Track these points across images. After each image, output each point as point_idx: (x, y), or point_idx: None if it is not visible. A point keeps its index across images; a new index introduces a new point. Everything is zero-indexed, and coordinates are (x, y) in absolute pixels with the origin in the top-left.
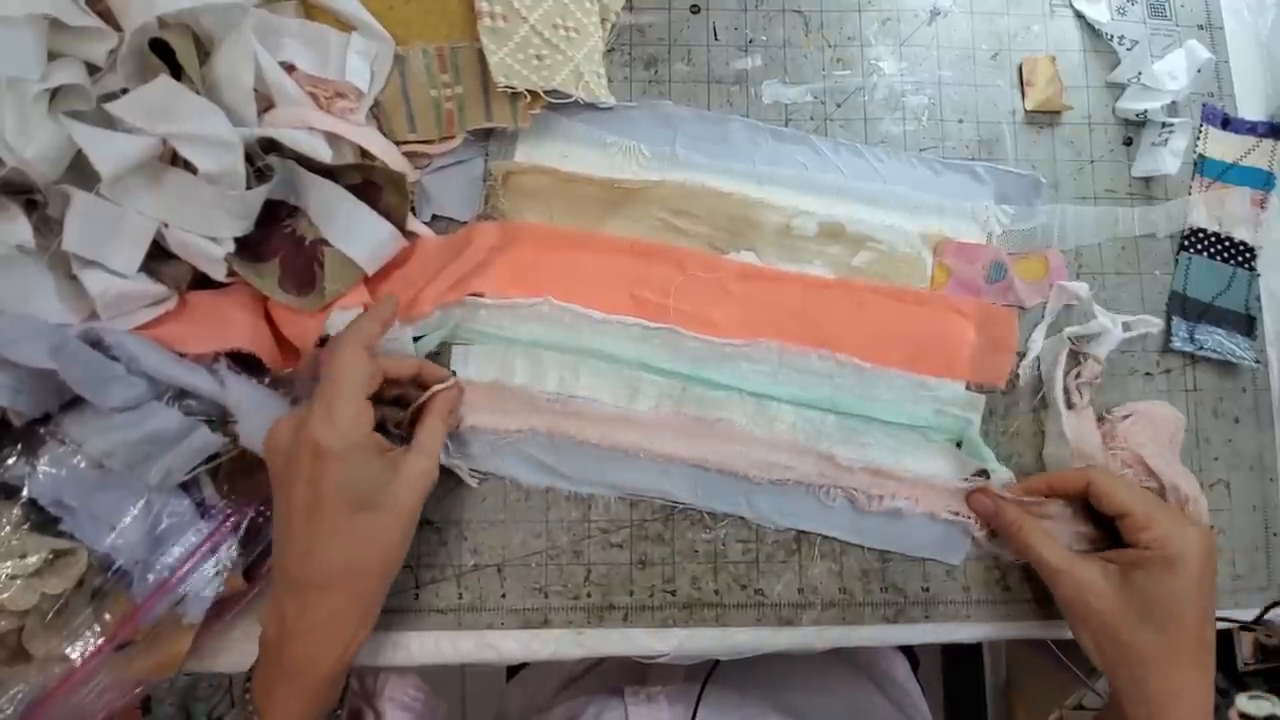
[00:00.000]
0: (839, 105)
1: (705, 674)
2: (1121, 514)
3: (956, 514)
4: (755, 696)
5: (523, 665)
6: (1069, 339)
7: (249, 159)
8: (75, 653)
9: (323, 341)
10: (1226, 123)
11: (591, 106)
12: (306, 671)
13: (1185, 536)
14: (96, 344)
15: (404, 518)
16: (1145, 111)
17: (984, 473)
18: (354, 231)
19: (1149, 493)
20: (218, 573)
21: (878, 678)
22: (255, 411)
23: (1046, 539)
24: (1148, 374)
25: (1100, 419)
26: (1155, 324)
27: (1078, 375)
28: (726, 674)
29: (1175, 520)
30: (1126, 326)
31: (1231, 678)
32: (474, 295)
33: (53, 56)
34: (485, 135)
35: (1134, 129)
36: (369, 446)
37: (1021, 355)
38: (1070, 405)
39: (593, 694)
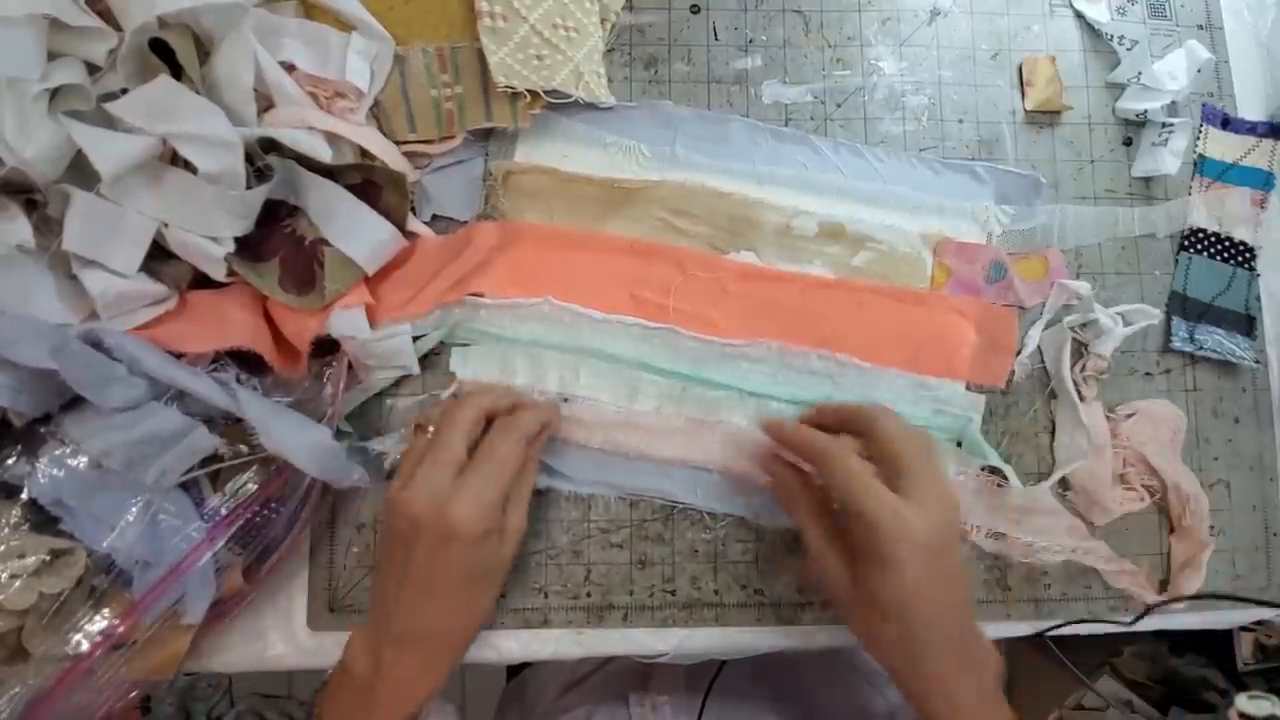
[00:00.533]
0: (839, 105)
1: (708, 682)
2: (839, 494)
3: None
4: (757, 705)
5: (523, 666)
6: (1069, 328)
7: (249, 159)
8: (74, 652)
9: (322, 342)
10: (1226, 123)
11: (591, 106)
12: (390, 712)
13: (900, 532)
14: (97, 345)
15: (504, 580)
16: (1145, 111)
17: (990, 469)
18: (354, 231)
19: (867, 474)
20: (217, 573)
21: (879, 680)
22: (276, 423)
23: (810, 513)
24: (1148, 374)
25: (1104, 416)
26: (1154, 314)
27: (1083, 369)
28: (728, 682)
29: (889, 510)
30: (1125, 319)
31: (1231, 678)
32: (474, 295)
33: (53, 56)
34: (485, 135)
35: (1134, 129)
36: (497, 528)
37: (1018, 354)
38: (1081, 398)
39: (595, 701)
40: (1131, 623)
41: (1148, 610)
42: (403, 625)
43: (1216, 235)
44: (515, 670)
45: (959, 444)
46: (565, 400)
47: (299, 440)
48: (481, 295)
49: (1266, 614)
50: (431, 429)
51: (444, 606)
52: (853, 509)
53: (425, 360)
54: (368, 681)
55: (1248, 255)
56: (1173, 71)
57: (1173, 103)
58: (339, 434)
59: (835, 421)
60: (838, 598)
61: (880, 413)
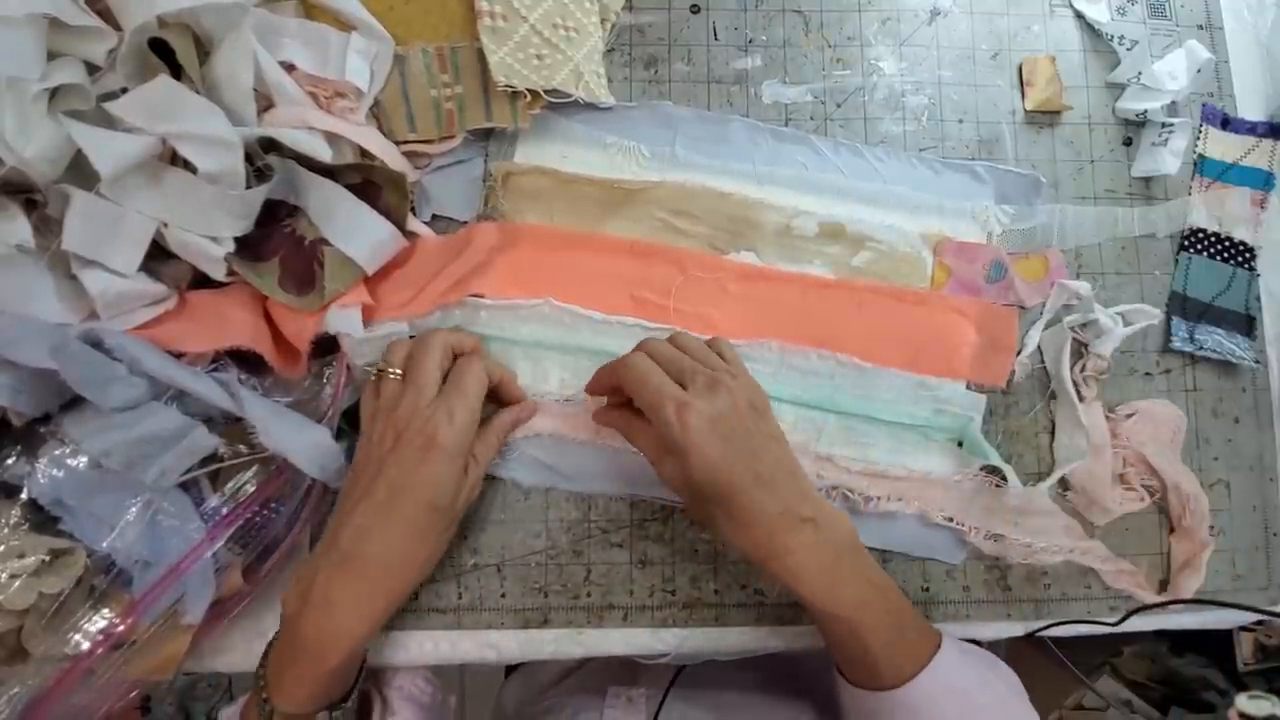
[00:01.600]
0: (839, 105)
1: (698, 676)
2: (639, 403)
3: (950, 519)
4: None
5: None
6: (1069, 328)
7: (249, 158)
8: (74, 652)
9: (321, 341)
10: (1226, 123)
11: (591, 107)
12: (319, 650)
13: (682, 420)
14: (96, 345)
15: (455, 526)
16: (1145, 111)
17: (990, 469)
18: (354, 231)
19: (655, 376)
20: (216, 572)
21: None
22: (276, 423)
23: (640, 432)
24: (1148, 374)
25: (1104, 416)
26: (1154, 314)
27: (1083, 368)
28: (710, 671)
29: (672, 403)
30: (1125, 319)
31: (1231, 678)
32: (474, 296)
33: (52, 56)
34: (485, 135)
35: (1134, 129)
36: (466, 455)
37: (1018, 354)
38: (1081, 398)
39: (575, 693)
40: (1117, 623)
41: (1135, 611)
42: (347, 545)
43: (1216, 235)
44: (515, 669)
45: (960, 444)
46: (568, 400)
47: (299, 440)
48: (482, 296)
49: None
50: (395, 371)
51: (397, 532)
52: (649, 414)
53: None
54: (295, 615)
55: (1248, 255)
56: (1173, 71)
57: (1173, 103)
58: (338, 433)
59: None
60: (685, 507)
61: (657, 339)
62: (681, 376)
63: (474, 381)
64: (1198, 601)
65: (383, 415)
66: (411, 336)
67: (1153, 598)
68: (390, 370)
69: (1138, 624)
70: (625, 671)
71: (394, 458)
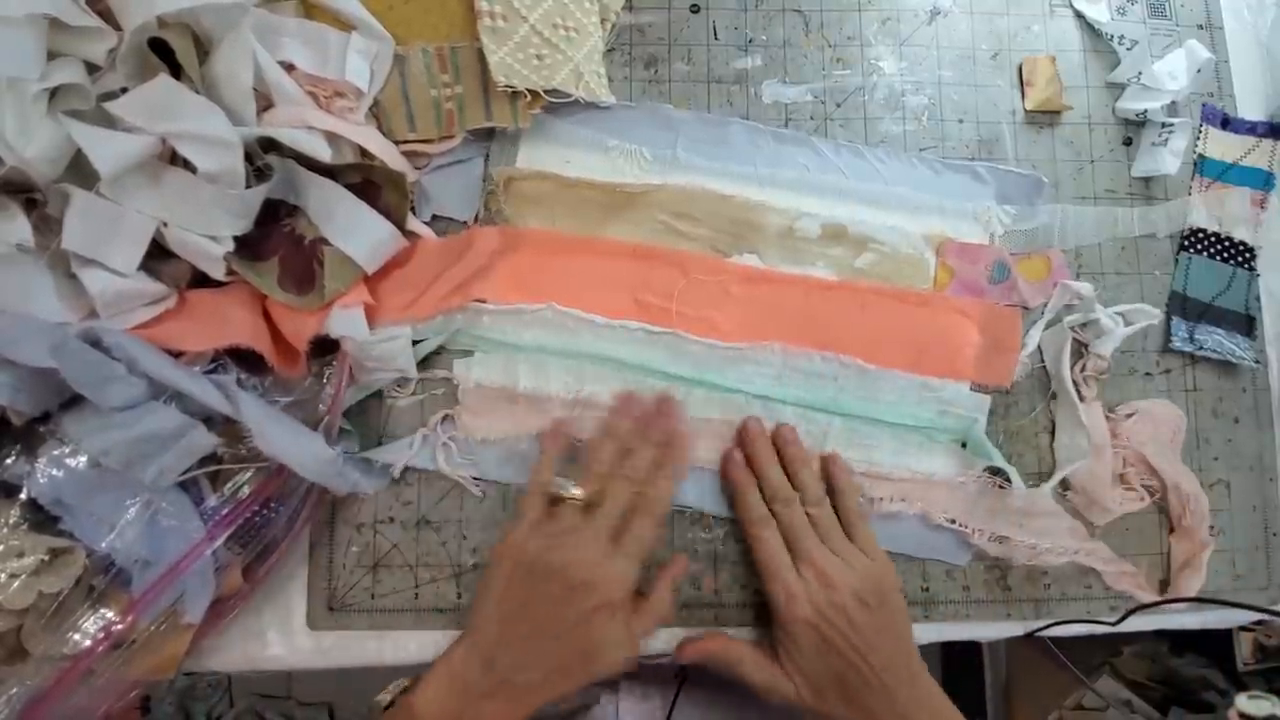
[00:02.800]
0: (839, 105)
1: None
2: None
3: (953, 521)
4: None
5: None
6: (1070, 328)
7: (248, 158)
8: (73, 652)
9: (321, 341)
10: (1226, 123)
11: (592, 110)
12: None
13: (790, 613)
14: (96, 344)
15: (602, 676)
16: (1145, 111)
17: (993, 470)
18: (353, 230)
19: (780, 557)
20: (216, 572)
21: None
22: (273, 428)
23: (746, 656)
24: (1148, 374)
25: (1104, 416)
26: (1154, 314)
27: (1083, 368)
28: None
29: (784, 593)
30: (1125, 319)
31: (1231, 678)
32: (477, 301)
33: (52, 56)
34: (485, 135)
35: (1134, 129)
36: (628, 605)
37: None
38: (1081, 398)
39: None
40: (1116, 622)
41: (1134, 610)
42: (505, 673)
43: (1216, 235)
44: None
45: (963, 445)
46: (571, 403)
47: (294, 446)
48: (484, 301)
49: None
50: (576, 495)
51: (557, 674)
52: (763, 583)
53: (423, 363)
54: (437, 717)
55: (1248, 255)
56: (1173, 71)
57: (1173, 103)
58: (340, 432)
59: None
60: (793, 704)
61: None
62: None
63: (651, 541)
64: (1198, 600)
65: (556, 547)
66: (416, 342)
67: (1150, 598)
68: (571, 495)
69: (1138, 624)
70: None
71: (568, 609)
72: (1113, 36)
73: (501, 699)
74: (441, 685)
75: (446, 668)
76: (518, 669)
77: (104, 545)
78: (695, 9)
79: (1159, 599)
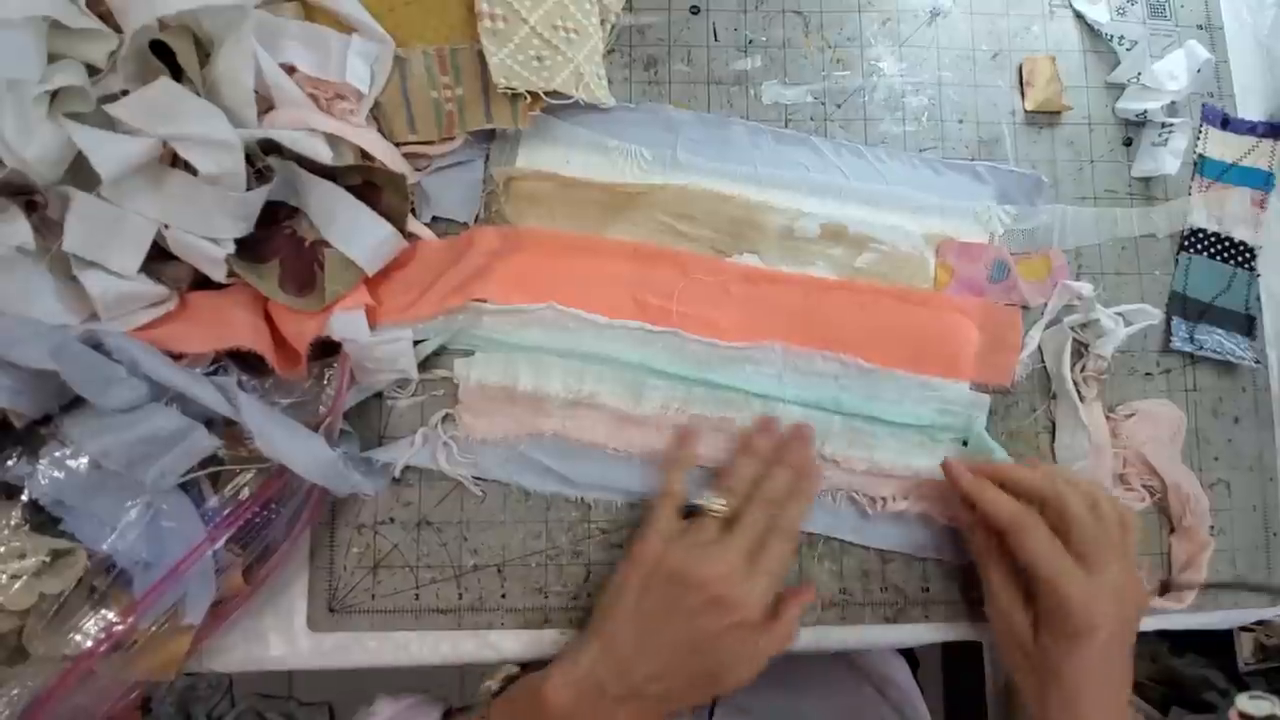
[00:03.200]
0: (839, 106)
1: None
2: (1029, 567)
3: (954, 520)
4: (761, 706)
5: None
6: (1070, 328)
7: (249, 160)
8: (74, 653)
9: (322, 343)
10: (1226, 123)
11: (593, 110)
12: None
13: (1091, 615)
14: (97, 346)
15: (724, 693)
16: (1145, 111)
17: None
18: (354, 232)
19: (1059, 552)
20: (217, 573)
21: (878, 681)
22: (275, 430)
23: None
24: (1148, 374)
25: (1104, 417)
26: (1155, 314)
27: (1083, 369)
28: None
29: (1083, 592)
30: (1126, 319)
31: (1232, 678)
32: (477, 301)
33: (53, 58)
34: (486, 136)
35: (1134, 129)
36: (759, 625)
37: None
38: (1081, 398)
39: None
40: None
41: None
42: (639, 684)
43: (1216, 235)
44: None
45: (965, 443)
46: (572, 404)
47: (296, 448)
48: (484, 301)
49: (1267, 614)
50: (720, 507)
51: (686, 685)
52: (1045, 583)
53: (424, 363)
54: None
55: (1248, 255)
56: (1173, 71)
57: (1173, 103)
58: (340, 433)
59: (1024, 491)
60: (1011, 645)
61: (1070, 492)
62: (1074, 549)
63: (786, 565)
64: (1220, 585)
65: (700, 559)
66: (417, 343)
67: (1157, 599)
68: (715, 508)
69: (1145, 623)
70: None
71: (708, 622)
72: (1112, 36)
73: (634, 705)
74: (571, 680)
75: (576, 665)
76: (652, 678)
77: (105, 546)
78: (695, 10)
79: (1183, 584)
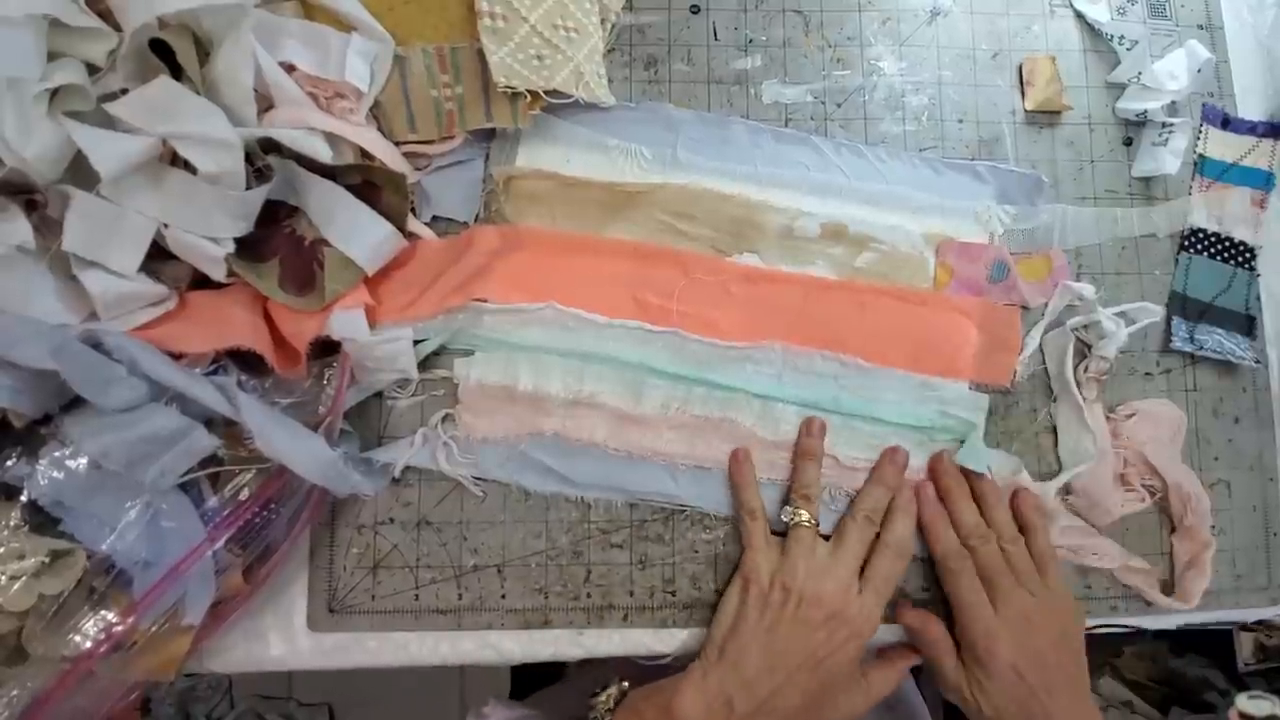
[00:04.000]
0: (839, 105)
1: None
2: (950, 599)
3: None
4: None
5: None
6: (1072, 330)
7: (249, 159)
8: (74, 653)
9: (321, 342)
10: (1226, 123)
11: (593, 109)
12: None
13: (988, 653)
14: (97, 346)
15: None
16: (1145, 111)
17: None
18: (354, 232)
19: (975, 589)
20: (217, 573)
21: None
22: (275, 430)
23: (951, 655)
24: (1148, 374)
25: (1105, 418)
26: (1156, 311)
27: (1085, 369)
28: None
29: (985, 624)
30: (1128, 318)
31: (1232, 678)
32: (477, 301)
33: (53, 56)
34: (485, 136)
35: (1134, 129)
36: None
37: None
38: (1084, 399)
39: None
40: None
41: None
42: (765, 697)
43: (1216, 235)
44: (527, 678)
45: (962, 443)
46: (572, 403)
47: (296, 448)
48: (485, 301)
49: (1267, 613)
50: (804, 516)
51: (804, 701)
52: (957, 615)
53: (424, 362)
54: None
55: (1248, 255)
56: (1173, 71)
57: (1173, 103)
58: (340, 433)
59: (961, 533)
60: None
61: (984, 539)
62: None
63: (896, 581)
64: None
65: (815, 575)
66: (417, 343)
67: (1162, 598)
68: (805, 522)
69: (1141, 623)
70: None
71: (826, 636)
72: (1113, 36)
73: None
74: (699, 696)
75: (705, 681)
76: (778, 694)
77: (105, 547)
78: (695, 9)
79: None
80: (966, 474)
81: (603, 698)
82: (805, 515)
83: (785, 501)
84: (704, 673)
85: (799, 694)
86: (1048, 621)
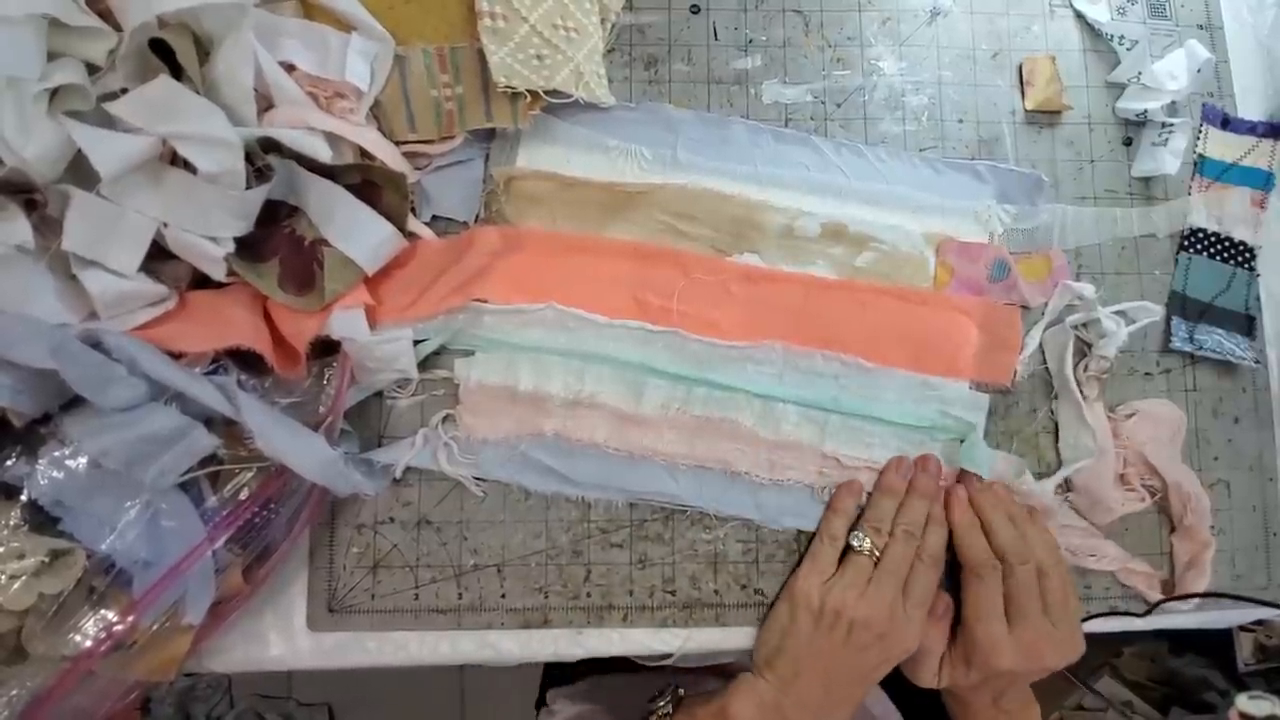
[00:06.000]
0: (839, 105)
1: None
2: (966, 604)
3: None
4: None
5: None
6: (1072, 328)
7: (249, 159)
8: (74, 653)
9: (321, 342)
10: (1226, 123)
11: (593, 110)
12: None
13: (989, 665)
14: (96, 345)
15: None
16: (1145, 111)
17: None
18: (354, 231)
19: (995, 603)
20: (216, 573)
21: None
22: (275, 430)
23: (939, 650)
24: (1147, 374)
25: (1105, 416)
26: (1156, 310)
27: (1085, 369)
28: None
29: (996, 639)
30: (1128, 318)
31: (1232, 678)
32: (477, 301)
33: (53, 56)
34: (485, 135)
35: (1134, 129)
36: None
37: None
38: (1084, 398)
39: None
40: (1144, 613)
41: (1161, 602)
42: (819, 715)
43: (1216, 235)
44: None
45: (962, 443)
46: (573, 403)
47: (296, 447)
48: (485, 301)
49: (1267, 613)
50: (868, 545)
51: (856, 703)
52: (967, 622)
53: (424, 363)
54: None
55: (1248, 255)
56: (1173, 71)
57: (1173, 103)
58: (340, 433)
59: (996, 546)
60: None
61: (1023, 556)
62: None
63: (933, 592)
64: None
65: (864, 598)
66: (417, 343)
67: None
68: (866, 549)
69: (1143, 623)
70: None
71: (874, 656)
72: (1113, 36)
73: None
74: (752, 705)
75: (759, 693)
76: (825, 710)
77: (104, 546)
78: (695, 9)
79: (1184, 594)
80: (1001, 496)
81: (661, 704)
82: (869, 545)
83: (854, 527)
84: (757, 686)
85: (850, 705)
86: (1053, 655)
